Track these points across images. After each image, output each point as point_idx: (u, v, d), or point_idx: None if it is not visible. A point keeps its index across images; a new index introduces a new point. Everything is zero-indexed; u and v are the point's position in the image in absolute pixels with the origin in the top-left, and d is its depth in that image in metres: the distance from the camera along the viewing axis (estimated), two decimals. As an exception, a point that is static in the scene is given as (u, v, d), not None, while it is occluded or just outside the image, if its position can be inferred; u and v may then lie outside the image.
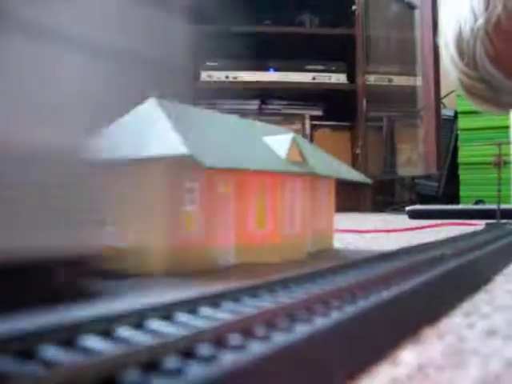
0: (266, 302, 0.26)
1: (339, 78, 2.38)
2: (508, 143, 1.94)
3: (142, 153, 0.43)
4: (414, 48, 2.26)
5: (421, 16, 2.17)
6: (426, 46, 2.09)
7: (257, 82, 2.35)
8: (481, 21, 0.64)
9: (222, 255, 0.49)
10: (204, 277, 0.43)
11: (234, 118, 0.59)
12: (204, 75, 2.33)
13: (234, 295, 0.27)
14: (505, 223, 0.95)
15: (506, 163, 1.28)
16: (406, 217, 1.62)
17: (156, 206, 0.44)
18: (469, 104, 2.00)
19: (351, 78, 2.39)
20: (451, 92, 2.36)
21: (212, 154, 0.42)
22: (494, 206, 1.14)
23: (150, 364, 0.17)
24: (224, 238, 0.50)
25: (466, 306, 0.35)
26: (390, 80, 2.41)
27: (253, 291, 0.28)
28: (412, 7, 2.27)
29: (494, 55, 0.66)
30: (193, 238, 0.47)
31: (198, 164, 0.39)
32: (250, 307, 0.25)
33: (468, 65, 0.68)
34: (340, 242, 0.79)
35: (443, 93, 2.26)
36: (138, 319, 0.22)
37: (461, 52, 0.69)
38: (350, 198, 2.22)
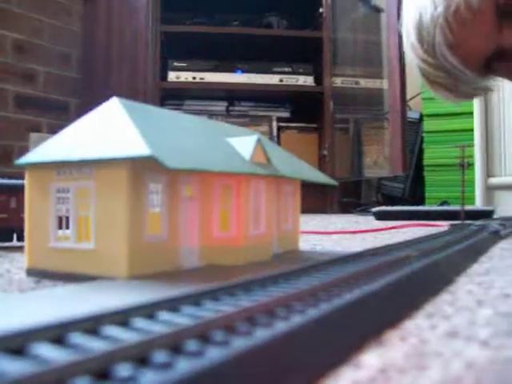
0: (226, 306, 0.25)
1: (306, 80, 2.39)
2: (472, 146, 1.97)
3: (103, 154, 0.42)
4: (381, 51, 2.29)
5: (387, 19, 2.19)
6: (391, 49, 2.11)
7: (224, 83, 2.34)
8: (440, 8, 0.65)
9: (186, 257, 0.49)
10: (167, 280, 0.42)
11: (198, 118, 0.58)
12: (172, 76, 2.32)
13: (195, 299, 0.26)
14: (469, 224, 0.96)
15: (470, 165, 1.30)
16: (372, 218, 1.63)
17: (119, 208, 0.43)
18: (434, 107, 2.02)
19: (318, 80, 2.41)
20: (417, 95, 2.39)
21: (175, 155, 0.42)
22: (458, 207, 1.16)
23: (103, 372, 0.17)
24: (188, 240, 0.49)
25: (429, 307, 0.35)
26: (356, 82, 2.43)
27: (213, 294, 0.27)
28: (378, 10, 2.30)
29: (452, 42, 0.67)
30: (156, 240, 0.46)
31: (160, 165, 0.39)
32: (210, 311, 0.24)
33: (427, 52, 0.70)
34: (306, 243, 0.79)
35: (409, 96, 2.28)
36: (93, 325, 0.21)
37: (420, 39, 0.70)
38: (317, 199, 2.23)
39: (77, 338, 0.20)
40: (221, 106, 2.44)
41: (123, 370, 0.17)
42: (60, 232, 0.48)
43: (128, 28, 2.34)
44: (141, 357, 0.18)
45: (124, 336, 0.20)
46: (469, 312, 0.34)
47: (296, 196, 0.64)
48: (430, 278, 0.41)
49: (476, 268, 0.53)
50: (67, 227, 0.47)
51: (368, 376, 0.22)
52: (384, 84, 2.28)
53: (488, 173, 2.05)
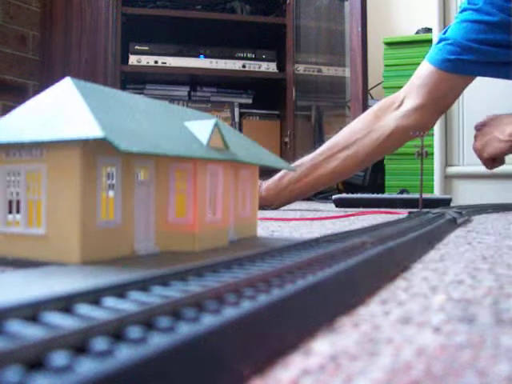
0: (175, 292, 0.25)
1: (269, 67, 2.38)
2: (431, 135, 2.00)
3: (54, 135, 0.40)
4: (344, 39, 2.30)
5: (350, 8, 2.19)
6: (354, 38, 2.12)
7: (186, 68, 2.32)
8: None
9: (141, 243, 0.48)
10: (119, 266, 0.41)
11: (157, 102, 0.57)
12: (133, 59, 2.28)
13: (143, 284, 0.25)
14: (426, 212, 0.97)
15: (429, 154, 1.31)
16: (333, 205, 1.64)
17: (70, 192, 0.42)
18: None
19: (281, 66, 2.40)
20: (378, 84, 2.41)
21: (129, 137, 0.40)
22: (416, 196, 1.17)
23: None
24: (143, 226, 0.48)
25: (384, 293, 0.35)
26: (319, 70, 2.44)
27: (163, 280, 0.26)
28: (342, -1, 2.30)
29: None
30: (110, 225, 0.45)
31: (113, 148, 0.37)
32: (157, 297, 0.24)
33: None
34: (265, 230, 0.79)
35: (370, 84, 2.30)
36: (31, 312, 0.20)
37: None
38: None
39: (14, 325, 0.19)
40: (183, 91, 2.42)
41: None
42: (10, 217, 0.46)
43: (88, 9, 2.28)
44: (80, 345, 0.17)
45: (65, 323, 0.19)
46: (423, 298, 0.34)
47: (254, 182, 0.64)
48: (385, 265, 0.41)
49: (432, 255, 0.54)
50: (18, 212, 0.45)
51: (318, 363, 0.22)
52: (346, 72, 2.29)
53: (446, 162, 2.08)
